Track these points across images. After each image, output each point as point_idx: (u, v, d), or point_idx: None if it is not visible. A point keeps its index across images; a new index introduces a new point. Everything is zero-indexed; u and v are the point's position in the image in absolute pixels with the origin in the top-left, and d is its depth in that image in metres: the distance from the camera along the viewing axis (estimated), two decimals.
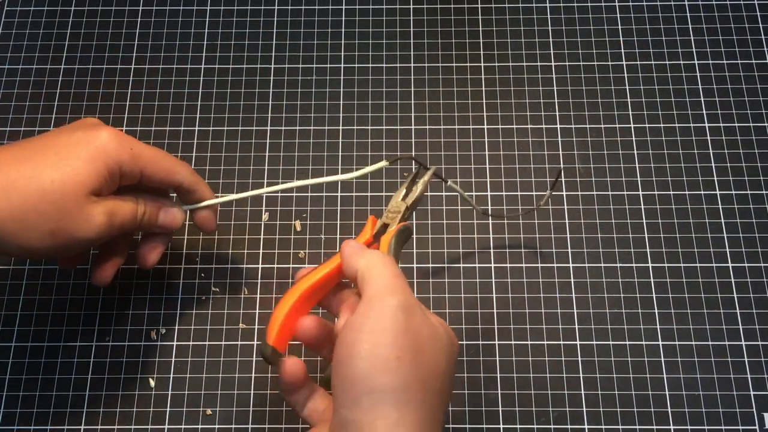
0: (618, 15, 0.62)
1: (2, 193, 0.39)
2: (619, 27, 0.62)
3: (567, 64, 0.60)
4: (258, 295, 0.52)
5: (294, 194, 0.56)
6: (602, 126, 0.57)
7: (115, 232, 0.43)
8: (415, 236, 0.54)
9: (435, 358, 0.35)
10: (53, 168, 0.40)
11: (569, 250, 0.53)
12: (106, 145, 0.42)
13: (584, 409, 0.48)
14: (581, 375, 0.49)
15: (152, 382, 0.50)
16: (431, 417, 0.35)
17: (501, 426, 0.48)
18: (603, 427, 0.48)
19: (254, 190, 0.48)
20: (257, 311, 0.52)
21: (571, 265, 0.53)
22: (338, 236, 0.54)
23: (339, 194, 0.56)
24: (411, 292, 0.37)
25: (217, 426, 0.48)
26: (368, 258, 0.38)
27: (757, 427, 0.48)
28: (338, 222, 0.55)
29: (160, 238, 0.48)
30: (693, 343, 0.50)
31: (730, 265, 0.52)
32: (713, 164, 0.56)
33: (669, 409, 0.48)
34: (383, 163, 0.45)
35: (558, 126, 0.58)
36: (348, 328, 0.35)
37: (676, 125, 0.57)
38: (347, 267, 0.39)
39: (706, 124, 0.57)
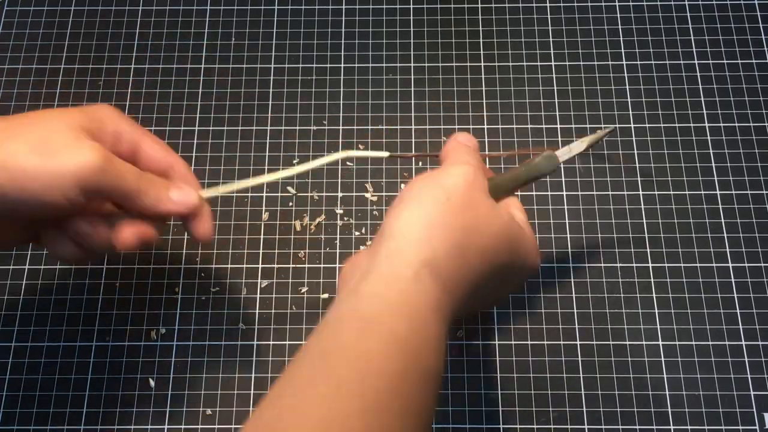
0: (618, 15, 0.62)
1: None
2: (619, 27, 0.62)
3: (567, 64, 0.60)
4: (258, 295, 0.52)
5: (294, 194, 0.56)
6: (602, 126, 0.57)
7: (113, 184, 0.38)
8: None
9: (485, 220, 0.37)
10: (44, 111, 0.40)
11: (569, 250, 0.53)
12: (102, 106, 0.41)
13: (584, 409, 0.48)
14: (581, 375, 0.49)
15: (152, 382, 0.50)
16: (463, 260, 0.36)
17: (501, 426, 0.48)
18: (603, 427, 0.48)
19: (269, 174, 0.45)
20: (257, 311, 0.52)
21: (571, 265, 0.53)
22: (338, 236, 0.54)
23: (339, 195, 0.56)
24: (482, 175, 0.39)
25: (217, 426, 0.48)
26: (458, 149, 0.41)
27: (757, 427, 0.48)
28: (338, 223, 0.55)
29: (154, 224, 0.42)
30: (693, 343, 0.50)
31: (730, 265, 0.52)
32: (713, 164, 0.56)
33: (669, 409, 0.48)
34: (384, 153, 0.45)
35: (558, 126, 0.58)
36: (418, 177, 0.39)
37: (676, 125, 0.57)
38: (442, 153, 0.42)
39: (706, 124, 0.57)
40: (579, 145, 0.44)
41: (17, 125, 0.38)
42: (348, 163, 0.57)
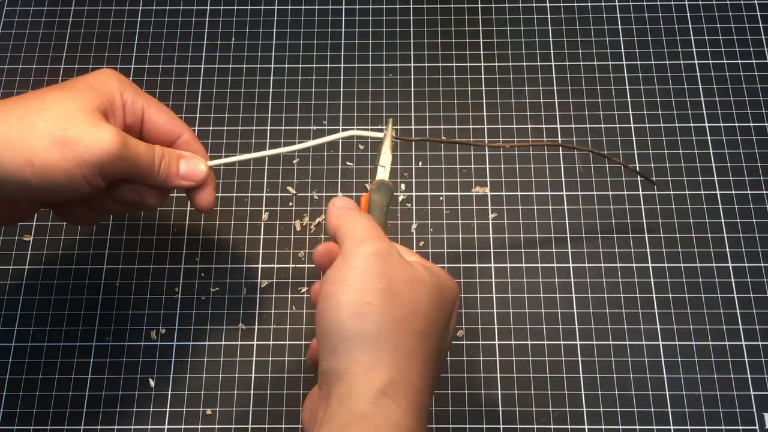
0: (618, 15, 0.62)
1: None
2: (619, 27, 0.62)
3: (567, 64, 0.60)
4: (258, 295, 0.52)
5: (294, 194, 0.56)
6: (602, 126, 0.57)
7: (131, 167, 0.40)
8: (415, 236, 0.54)
9: (413, 298, 0.35)
10: (54, 89, 0.39)
11: (569, 250, 0.53)
12: (105, 72, 0.41)
13: (584, 409, 0.48)
14: (581, 375, 0.49)
15: (152, 382, 0.50)
16: (411, 357, 0.34)
17: (501, 426, 0.48)
18: (603, 427, 0.48)
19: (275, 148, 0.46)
20: (257, 311, 0.52)
21: (571, 265, 0.53)
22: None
23: (339, 195, 0.56)
24: (386, 239, 0.36)
25: (217, 426, 0.48)
26: (344, 215, 0.38)
27: (757, 427, 0.48)
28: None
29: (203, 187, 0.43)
30: (693, 343, 0.50)
31: (730, 265, 0.52)
32: (713, 164, 0.56)
33: (669, 409, 0.48)
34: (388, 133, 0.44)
35: (558, 126, 0.58)
36: (324, 281, 0.35)
37: (676, 125, 0.57)
38: (328, 226, 0.38)
39: (706, 124, 0.57)
40: (385, 158, 0.42)
41: (32, 112, 0.38)
42: (348, 163, 0.57)
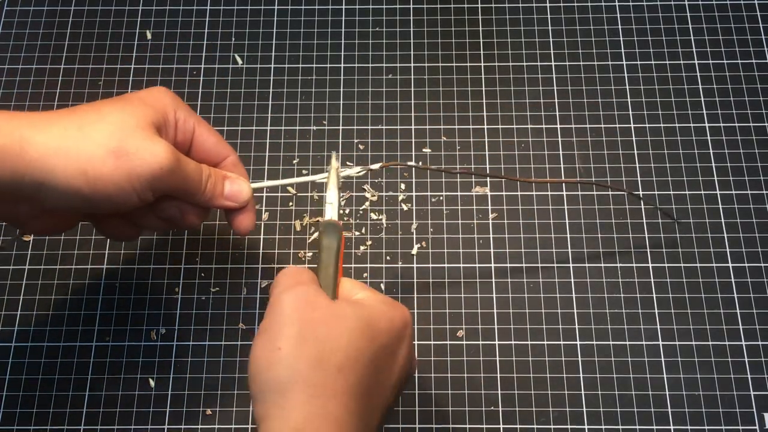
0: (618, 15, 0.62)
1: (56, 120, 0.37)
2: (619, 27, 0.62)
3: (567, 64, 0.60)
4: (258, 295, 0.52)
5: (294, 194, 0.56)
6: (602, 126, 0.58)
7: (180, 184, 0.40)
8: (415, 236, 0.54)
9: (330, 335, 0.35)
10: (111, 102, 0.40)
11: (569, 250, 0.53)
12: (160, 90, 0.42)
13: (584, 409, 0.48)
14: (581, 375, 0.49)
15: (152, 382, 0.50)
16: (327, 392, 0.34)
17: (501, 426, 0.48)
18: (603, 427, 0.48)
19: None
20: (257, 311, 0.52)
21: (571, 265, 0.53)
22: None
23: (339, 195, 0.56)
24: (307, 283, 0.37)
25: (217, 426, 0.48)
26: (281, 274, 0.38)
27: (757, 427, 0.48)
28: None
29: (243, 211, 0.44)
30: (693, 343, 0.50)
31: (730, 265, 0.52)
32: (713, 164, 0.56)
33: (669, 409, 0.48)
34: (375, 166, 0.45)
35: (558, 126, 0.58)
36: (254, 336, 0.37)
37: (676, 125, 0.57)
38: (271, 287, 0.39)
39: (706, 124, 0.57)
40: (332, 194, 0.42)
41: (91, 121, 0.38)
42: (348, 163, 0.57)
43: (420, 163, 0.56)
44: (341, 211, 0.53)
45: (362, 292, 0.39)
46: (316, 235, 0.46)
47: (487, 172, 0.56)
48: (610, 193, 0.55)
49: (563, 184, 0.55)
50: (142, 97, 0.41)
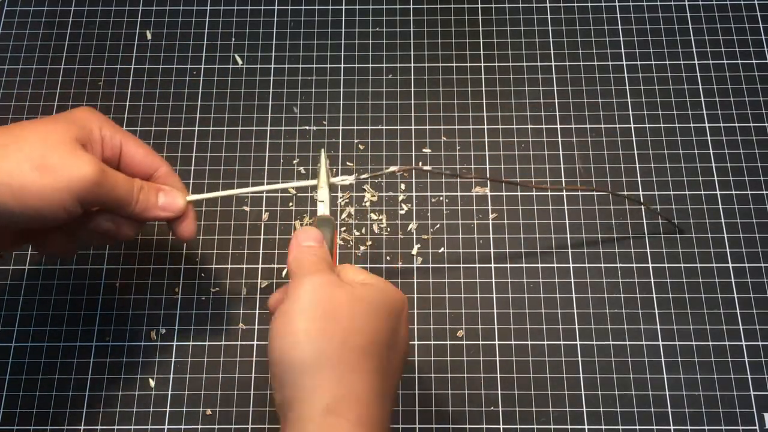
0: (618, 15, 0.62)
1: None
2: (619, 27, 0.62)
3: (567, 64, 0.60)
4: (258, 295, 0.52)
5: (294, 194, 0.56)
6: (602, 126, 0.58)
7: (109, 197, 0.41)
8: (415, 236, 0.54)
9: (351, 317, 0.36)
10: (34, 122, 0.40)
11: (569, 250, 0.53)
12: (84, 109, 0.43)
13: (584, 409, 0.48)
14: (581, 375, 0.49)
15: (152, 382, 0.50)
16: (354, 372, 0.35)
17: (501, 426, 0.48)
18: (603, 427, 0.48)
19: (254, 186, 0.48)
20: (257, 311, 0.52)
21: (571, 265, 0.53)
22: (338, 236, 0.54)
23: (339, 194, 0.56)
24: (327, 271, 0.38)
25: (217, 426, 0.48)
26: (297, 253, 0.40)
27: (757, 427, 0.48)
28: (337, 222, 0.55)
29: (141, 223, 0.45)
30: (693, 343, 0.50)
31: (730, 265, 0.52)
32: (713, 164, 0.56)
33: (669, 409, 0.48)
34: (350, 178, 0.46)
35: (558, 126, 0.58)
36: (272, 318, 0.37)
37: (676, 125, 0.57)
38: (287, 261, 0.40)
39: (706, 124, 0.57)
40: (323, 192, 0.44)
41: (14, 140, 0.39)
42: (348, 163, 0.57)
43: (422, 165, 0.56)
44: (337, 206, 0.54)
45: (364, 276, 0.40)
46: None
47: (488, 175, 0.56)
48: (608, 192, 0.55)
49: (562, 182, 0.55)
50: (66, 117, 0.42)
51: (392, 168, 0.47)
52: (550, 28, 0.62)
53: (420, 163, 0.56)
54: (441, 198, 0.55)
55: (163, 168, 0.45)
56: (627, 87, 0.59)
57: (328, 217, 0.43)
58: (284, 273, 0.53)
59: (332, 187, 0.45)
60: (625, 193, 0.55)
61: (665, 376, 0.49)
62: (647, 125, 0.57)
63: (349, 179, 0.46)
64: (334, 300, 0.37)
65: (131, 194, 0.42)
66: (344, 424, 0.33)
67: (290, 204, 0.55)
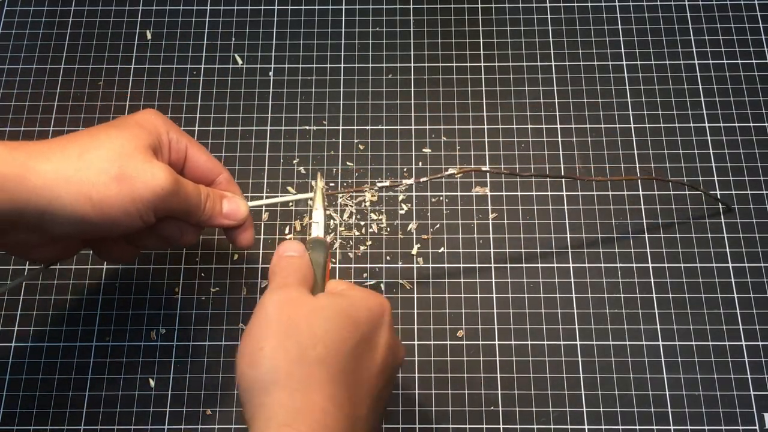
0: (618, 15, 0.62)
1: (56, 149, 0.38)
2: (619, 27, 0.62)
3: (567, 64, 0.60)
4: (258, 296, 0.52)
5: (294, 194, 0.56)
6: (602, 126, 0.58)
7: (181, 205, 0.41)
8: (415, 236, 0.54)
9: (309, 329, 0.36)
10: (106, 127, 0.41)
11: (569, 250, 0.53)
12: (150, 112, 0.43)
13: (584, 409, 0.48)
14: (581, 375, 0.49)
15: (152, 382, 0.50)
16: (310, 384, 0.35)
17: (501, 426, 0.48)
18: (603, 427, 0.48)
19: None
20: None
21: (571, 265, 0.53)
22: (338, 236, 0.54)
23: (339, 194, 0.56)
24: (293, 286, 0.38)
25: (217, 426, 0.48)
26: (274, 265, 0.40)
27: (757, 427, 0.48)
28: (337, 222, 0.55)
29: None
30: (693, 343, 0.50)
31: (730, 265, 0.52)
32: (713, 164, 0.56)
33: (669, 409, 0.48)
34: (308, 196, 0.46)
35: (558, 126, 0.58)
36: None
37: (676, 125, 0.57)
38: (270, 268, 0.40)
39: (706, 124, 0.57)
40: (318, 214, 0.44)
41: (88, 149, 0.39)
42: (348, 163, 0.57)
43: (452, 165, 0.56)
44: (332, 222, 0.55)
45: (342, 287, 0.40)
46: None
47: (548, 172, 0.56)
48: (610, 193, 0.55)
49: (562, 182, 0.55)
50: (136, 120, 0.42)
51: (451, 170, 0.48)
52: (550, 28, 0.62)
53: (420, 163, 0.56)
54: (441, 198, 0.55)
55: (224, 174, 0.46)
56: (627, 87, 0.59)
57: (321, 239, 0.43)
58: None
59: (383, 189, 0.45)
60: (684, 178, 0.55)
61: (665, 376, 0.49)
62: (647, 125, 0.57)
63: (407, 182, 0.47)
64: (294, 314, 0.36)
65: (200, 203, 0.43)
66: None
67: (290, 204, 0.55)
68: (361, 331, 0.37)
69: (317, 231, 0.43)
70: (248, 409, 0.35)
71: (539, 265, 0.53)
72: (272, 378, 0.35)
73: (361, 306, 0.38)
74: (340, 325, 0.37)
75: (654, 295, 0.52)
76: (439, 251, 0.53)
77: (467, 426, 0.48)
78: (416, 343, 0.50)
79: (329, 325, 0.36)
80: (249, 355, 0.36)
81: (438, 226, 0.54)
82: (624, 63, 0.60)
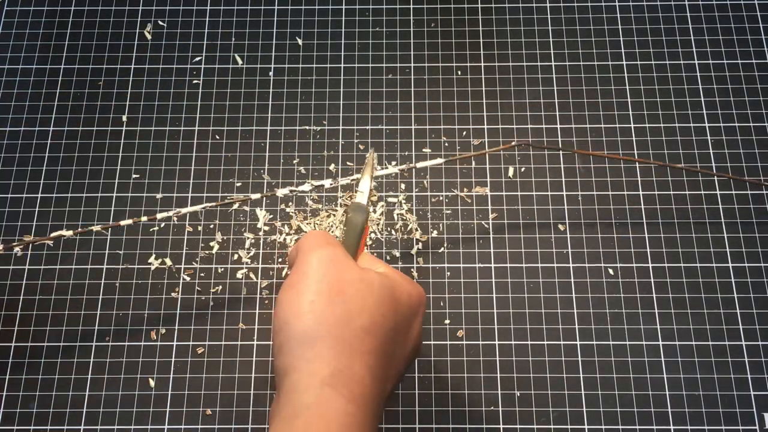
0: (618, 15, 0.62)
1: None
2: (619, 27, 0.62)
3: (567, 64, 0.60)
4: (258, 296, 0.52)
5: (294, 194, 0.56)
6: (602, 126, 0.58)
7: None
8: (415, 236, 0.54)
9: (357, 297, 0.36)
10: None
11: (569, 250, 0.53)
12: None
13: (584, 409, 0.48)
14: (581, 375, 0.49)
15: (152, 382, 0.50)
16: (353, 350, 0.35)
17: (501, 426, 0.48)
18: (603, 427, 0.48)
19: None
20: (257, 311, 0.52)
21: (571, 265, 0.53)
22: (338, 236, 0.54)
23: (339, 194, 0.56)
24: (335, 244, 0.38)
25: (217, 426, 0.48)
26: (304, 236, 0.40)
27: (757, 427, 0.48)
28: (337, 221, 0.55)
29: None
30: (693, 343, 0.50)
31: (730, 265, 0.52)
32: (713, 164, 0.56)
33: (669, 409, 0.48)
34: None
35: (558, 126, 0.58)
36: (280, 290, 0.37)
37: (676, 125, 0.57)
38: (290, 252, 0.40)
39: (706, 124, 0.57)
40: (364, 184, 0.44)
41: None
42: (348, 163, 0.57)
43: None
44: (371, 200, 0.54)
45: (383, 267, 0.40)
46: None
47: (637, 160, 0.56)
48: (610, 193, 0.55)
49: (562, 182, 0.55)
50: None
51: (513, 142, 0.48)
52: (550, 28, 0.62)
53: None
54: (441, 198, 0.55)
55: None
56: (627, 87, 0.59)
57: (363, 204, 0.43)
58: (284, 273, 0.53)
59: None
60: (751, 178, 0.55)
61: (665, 376, 0.49)
62: (647, 125, 0.57)
63: (437, 161, 0.48)
64: (342, 277, 0.36)
65: None
66: (339, 399, 0.34)
67: (290, 204, 0.55)
68: (400, 314, 0.38)
69: (361, 198, 0.44)
70: (285, 359, 0.35)
71: (539, 265, 0.53)
72: (320, 334, 0.35)
73: (404, 291, 0.39)
74: (385, 302, 0.37)
75: (654, 295, 0.52)
76: (439, 251, 0.53)
77: (467, 426, 0.48)
78: None
79: (375, 298, 0.37)
80: (297, 305, 0.35)
81: (438, 226, 0.54)
82: (624, 63, 0.60)
